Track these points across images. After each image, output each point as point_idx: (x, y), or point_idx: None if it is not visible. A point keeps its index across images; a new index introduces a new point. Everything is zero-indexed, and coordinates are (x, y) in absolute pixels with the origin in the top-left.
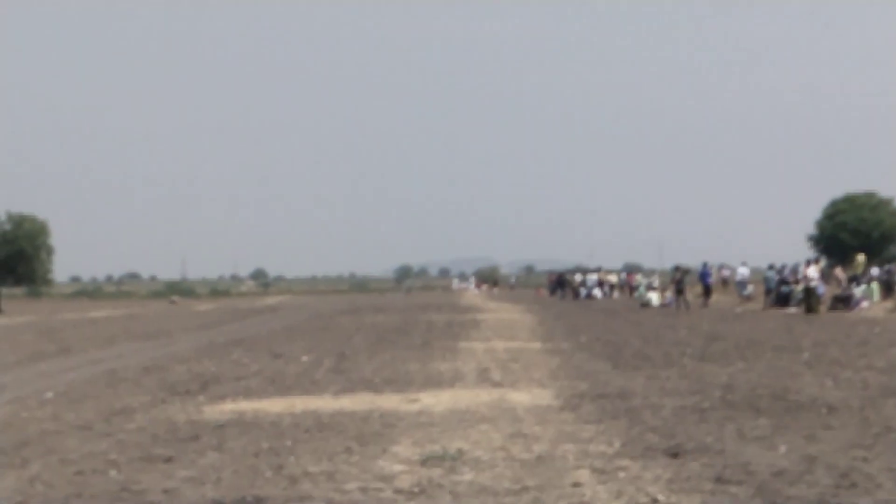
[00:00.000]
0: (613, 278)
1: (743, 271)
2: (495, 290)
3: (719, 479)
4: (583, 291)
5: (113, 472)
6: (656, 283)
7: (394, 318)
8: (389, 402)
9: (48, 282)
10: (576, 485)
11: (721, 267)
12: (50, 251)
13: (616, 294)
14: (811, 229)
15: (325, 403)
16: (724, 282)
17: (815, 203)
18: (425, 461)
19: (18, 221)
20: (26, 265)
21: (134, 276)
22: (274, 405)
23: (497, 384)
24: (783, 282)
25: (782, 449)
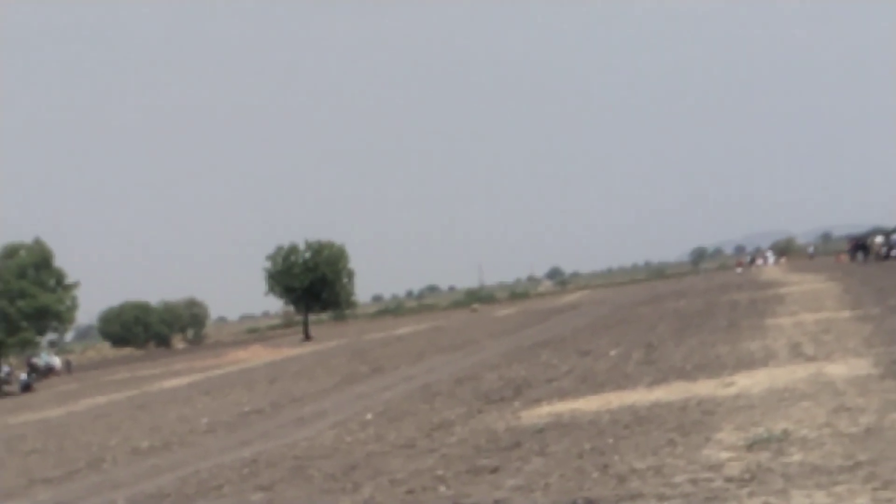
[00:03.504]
0: None
1: None
2: (782, 259)
3: None
4: (885, 251)
5: (442, 488)
6: None
7: (695, 301)
8: (705, 388)
9: (352, 304)
10: None
11: None
12: (351, 275)
13: None
14: None
15: (640, 397)
16: None
17: None
18: (751, 445)
19: (318, 249)
20: (329, 290)
21: (433, 289)
22: (589, 403)
23: (811, 358)
24: None
25: None
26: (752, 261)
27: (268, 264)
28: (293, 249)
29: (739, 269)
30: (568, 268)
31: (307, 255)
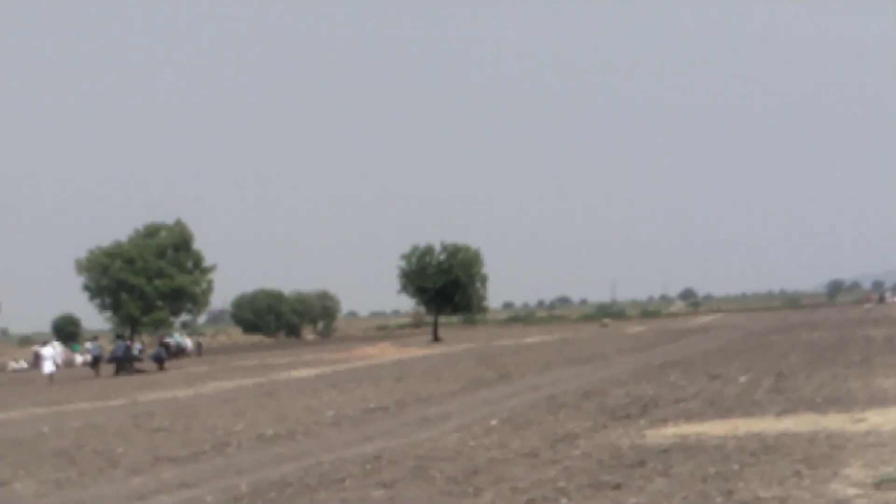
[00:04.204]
0: None
1: None
2: None
3: None
4: None
5: (563, 500)
6: None
7: (829, 334)
8: (834, 422)
9: (483, 309)
10: None
11: None
12: (484, 279)
13: None
14: None
15: (767, 425)
16: None
17: None
18: (879, 484)
19: (453, 252)
20: (462, 294)
21: (565, 301)
22: (716, 428)
23: None
24: None
25: None
26: (882, 298)
27: (402, 263)
28: (428, 250)
29: (868, 305)
30: (701, 289)
31: (442, 256)
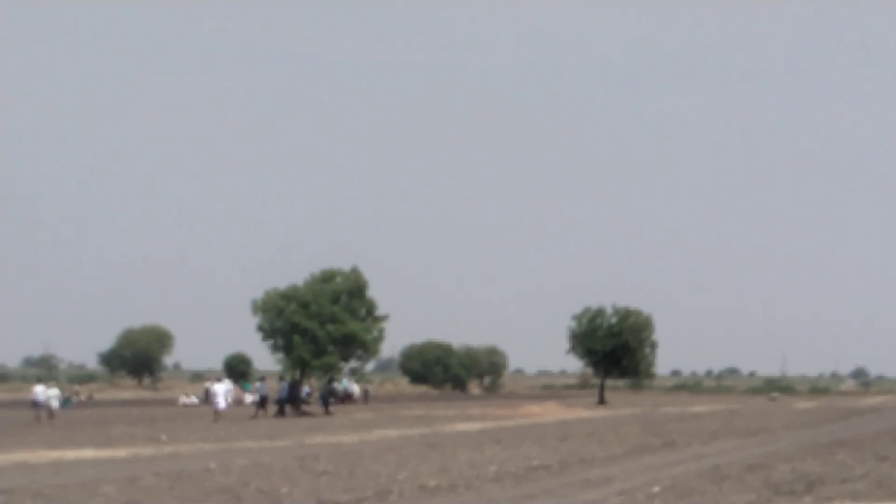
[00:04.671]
0: None
1: None
2: None
3: None
4: None
5: None
6: None
7: None
8: None
9: (651, 375)
10: None
11: None
12: (654, 345)
13: None
14: None
15: None
16: None
17: None
18: None
19: (624, 315)
20: (630, 358)
21: (733, 371)
22: None
23: None
24: None
25: None
26: None
27: (573, 324)
28: (599, 312)
29: None
30: (873, 370)
31: (613, 319)
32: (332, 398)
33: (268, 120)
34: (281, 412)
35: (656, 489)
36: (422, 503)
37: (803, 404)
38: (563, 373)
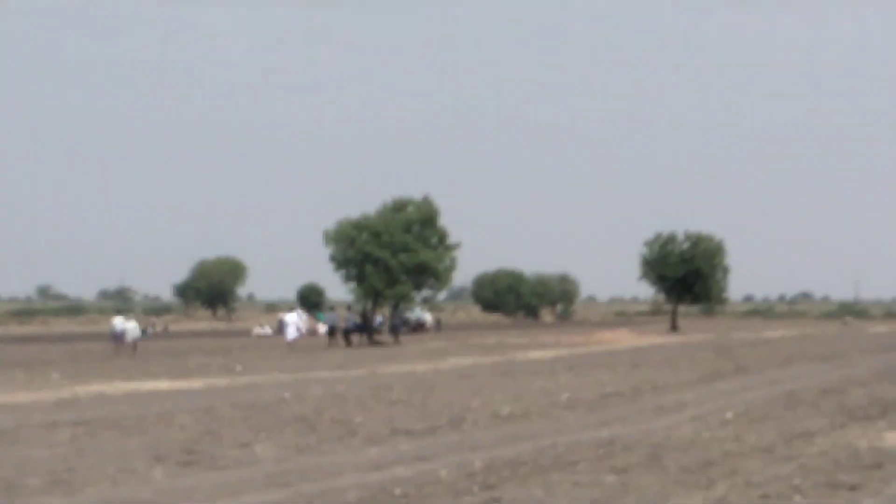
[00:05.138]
0: None
1: None
2: None
3: None
4: None
5: (797, 498)
6: None
7: None
8: None
9: (723, 301)
10: None
11: None
12: (726, 271)
13: None
14: None
15: None
16: None
17: None
18: None
19: (696, 241)
20: (702, 284)
21: (806, 296)
22: None
23: None
24: None
25: None
26: None
27: (644, 250)
28: (671, 238)
29: None
30: None
31: (685, 245)
32: (404, 327)
33: (334, 48)
34: (348, 342)
35: (729, 415)
36: (495, 430)
37: (877, 328)
38: (635, 300)
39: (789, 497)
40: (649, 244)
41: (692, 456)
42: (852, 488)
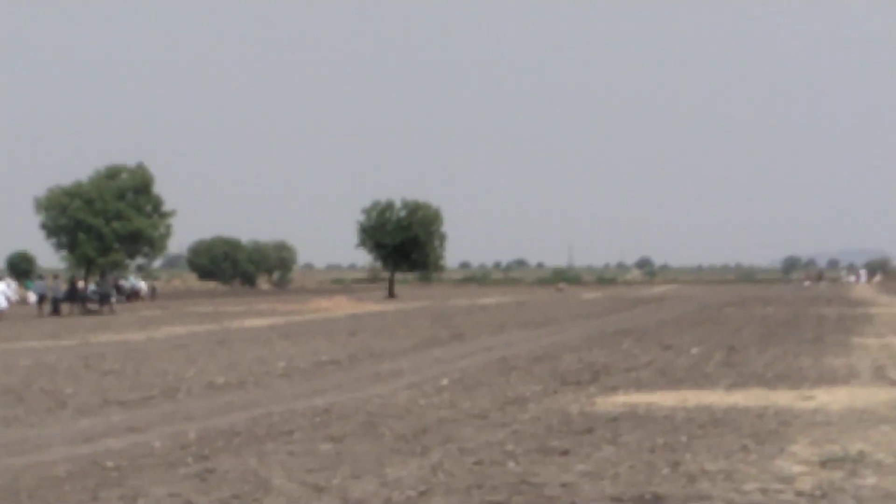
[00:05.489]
0: None
1: None
2: (875, 279)
3: None
4: None
5: (511, 464)
6: None
7: (782, 311)
8: (783, 398)
9: (440, 268)
10: None
11: None
12: (443, 238)
13: None
14: None
15: (717, 398)
16: None
17: None
18: (825, 463)
19: (413, 209)
20: (420, 251)
21: (521, 263)
22: (666, 398)
23: (894, 383)
24: None
25: None
26: (820, 276)
27: (362, 218)
28: (389, 206)
29: (807, 283)
30: (658, 259)
31: (402, 213)
32: (119, 296)
33: (44, 14)
34: (56, 311)
35: (445, 382)
36: (210, 400)
37: (590, 294)
38: (352, 267)
39: (503, 463)
40: (367, 212)
41: (408, 423)
42: (564, 453)
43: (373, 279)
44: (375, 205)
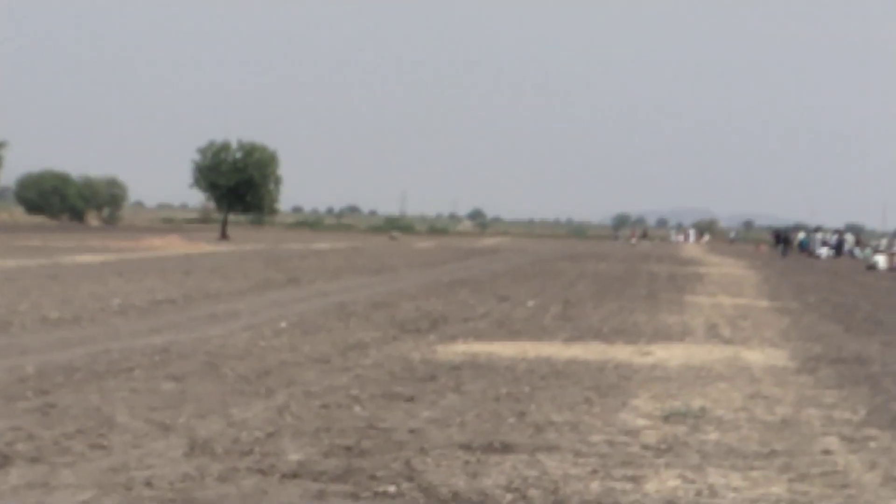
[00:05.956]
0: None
1: None
2: (703, 239)
3: None
4: (818, 250)
5: (357, 409)
6: (884, 245)
7: (615, 266)
8: (622, 353)
9: (274, 211)
10: (826, 452)
11: None
12: (278, 181)
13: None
14: None
15: (556, 351)
16: None
17: None
18: (668, 417)
19: (249, 150)
20: (254, 193)
21: (353, 209)
22: (505, 349)
23: (728, 341)
24: None
25: None
26: (644, 234)
27: (197, 157)
28: (225, 147)
29: (633, 241)
30: (490, 211)
31: (238, 154)
32: None
33: None
34: None
35: (283, 325)
36: (45, 335)
37: (423, 244)
38: (184, 207)
39: (349, 407)
40: (203, 152)
41: (249, 365)
42: (409, 400)
43: (204, 220)
44: (211, 145)
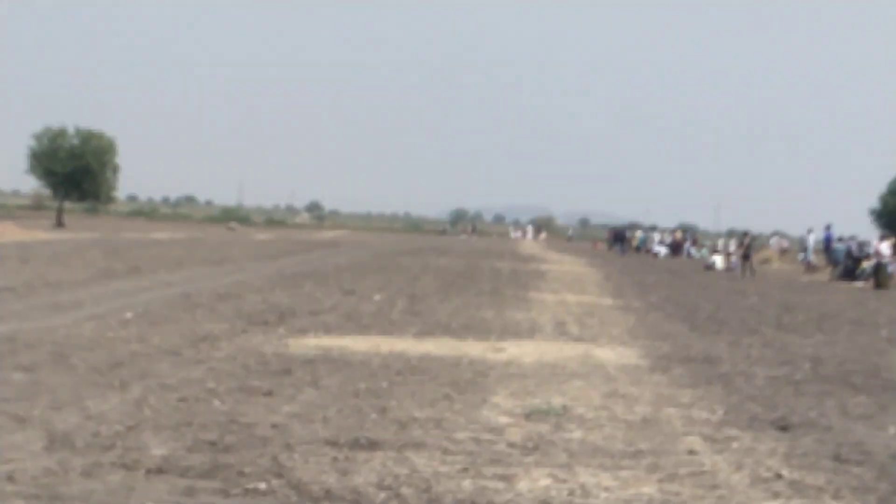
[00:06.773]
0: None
1: (813, 238)
2: (541, 236)
3: (837, 458)
4: (655, 248)
5: (217, 402)
6: (720, 245)
7: (457, 262)
8: (474, 349)
9: (112, 199)
10: (691, 452)
11: (778, 234)
12: (116, 169)
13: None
14: (874, 203)
15: (409, 346)
16: (784, 250)
17: (880, 177)
18: (530, 415)
19: (87, 137)
20: (91, 181)
21: (190, 199)
22: (357, 343)
23: (577, 339)
24: (851, 254)
25: (892, 430)
26: (473, 230)
27: (32, 143)
28: (61, 133)
29: (463, 236)
30: (327, 204)
31: (75, 141)
32: None
33: None
34: None
35: (129, 315)
36: None
37: (262, 235)
38: (15, 193)
39: (208, 401)
40: (38, 137)
41: (99, 356)
42: (267, 394)
43: (38, 207)
44: (47, 131)
